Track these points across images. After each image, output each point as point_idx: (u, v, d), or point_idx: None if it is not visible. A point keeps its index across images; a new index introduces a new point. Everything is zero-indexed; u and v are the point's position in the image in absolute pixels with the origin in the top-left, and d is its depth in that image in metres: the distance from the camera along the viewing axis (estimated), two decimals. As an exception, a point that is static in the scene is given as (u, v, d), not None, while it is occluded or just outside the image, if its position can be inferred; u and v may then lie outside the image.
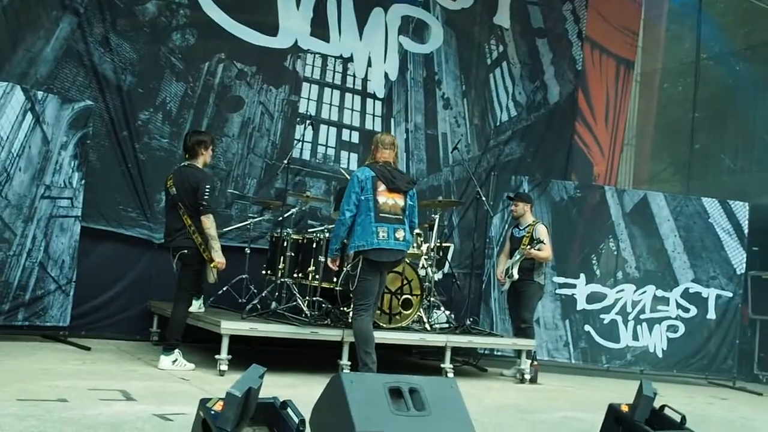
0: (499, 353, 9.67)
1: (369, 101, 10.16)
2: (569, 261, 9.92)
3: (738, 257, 10.21)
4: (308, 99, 9.71)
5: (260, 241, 8.92)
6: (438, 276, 8.50)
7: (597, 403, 4.67)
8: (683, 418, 4.02)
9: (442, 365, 7.73)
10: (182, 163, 6.96)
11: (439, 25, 10.75)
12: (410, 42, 10.50)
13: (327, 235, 7.50)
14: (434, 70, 10.69)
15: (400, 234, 6.42)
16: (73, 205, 7.74)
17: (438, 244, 8.48)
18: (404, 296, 7.65)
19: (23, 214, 7.37)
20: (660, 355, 9.95)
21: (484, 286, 9.97)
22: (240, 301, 8.05)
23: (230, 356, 6.58)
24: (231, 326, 6.71)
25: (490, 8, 11.18)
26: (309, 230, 8.56)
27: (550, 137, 11.53)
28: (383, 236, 6.33)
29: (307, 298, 7.61)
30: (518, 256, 8.47)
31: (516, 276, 8.44)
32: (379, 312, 7.30)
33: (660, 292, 10.03)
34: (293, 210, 8.49)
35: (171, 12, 8.79)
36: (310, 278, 7.65)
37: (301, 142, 9.39)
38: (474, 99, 11.01)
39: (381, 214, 6.36)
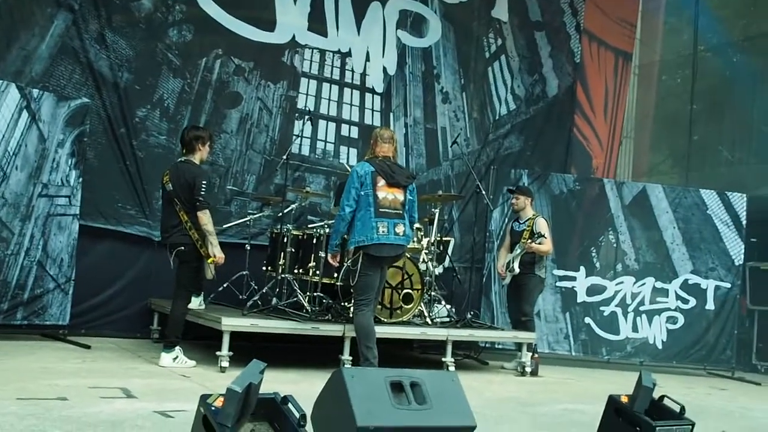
0: (499, 346, 9.67)
1: (368, 96, 10.14)
2: (569, 254, 9.93)
3: (736, 248, 10.23)
4: (306, 94, 9.69)
5: (260, 237, 8.91)
6: (438, 270, 8.51)
7: (597, 394, 4.68)
8: (682, 408, 4.04)
9: (443, 359, 7.74)
10: (179, 159, 6.94)
11: (437, 18, 10.73)
12: (408, 36, 10.47)
13: (327, 230, 7.49)
14: (433, 64, 10.67)
15: (400, 229, 6.42)
16: (71, 204, 7.73)
17: (438, 239, 8.48)
18: (405, 291, 7.65)
19: (20, 213, 7.37)
20: (659, 346, 9.97)
21: (484, 279, 9.97)
22: (240, 297, 8.04)
23: (231, 353, 6.58)
24: (232, 323, 6.71)
25: (488, 1, 11.16)
26: (309, 226, 8.56)
27: (549, 130, 11.51)
28: (383, 231, 6.32)
29: (308, 293, 7.61)
30: (519, 250, 8.47)
31: (517, 270, 8.45)
32: (380, 307, 7.30)
33: (659, 284, 10.05)
34: (293, 206, 8.48)
35: (167, 8, 8.75)
36: (310, 274, 7.65)
37: (300, 138, 9.37)
38: (473, 93, 10.99)
39: (381, 209, 6.36)
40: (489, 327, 8.92)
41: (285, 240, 7.90)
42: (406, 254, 7.28)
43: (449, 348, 7.77)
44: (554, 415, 5.89)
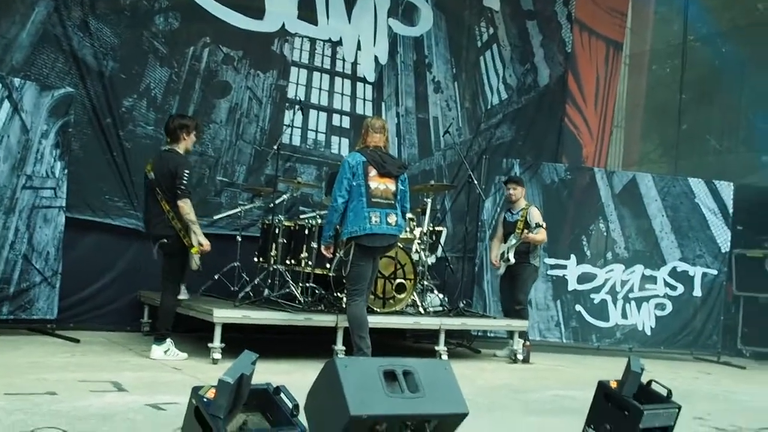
0: (492, 335, 9.69)
1: (359, 85, 10.08)
2: (560, 242, 9.97)
3: (723, 236, 10.34)
4: (297, 84, 9.62)
5: (251, 228, 8.84)
6: (431, 260, 8.51)
7: (587, 380, 4.71)
8: (669, 392, 4.12)
9: (436, 348, 7.76)
10: (163, 148, 6.88)
11: (429, 7, 10.67)
12: (400, 25, 10.41)
13: (319, 221, 7.46)
14: (424, 54, 10.62)
15: (392, 219, 6.39)
16: (57, 195, 7.58)
17: (431, 228, 8.46)
18: (398, 281, 7.62)
19: (4, 206, 7.23)
20: (648, 332, 10.08)
21: (477, 269, 9.97)
22: (232, 289, 7.98)
23: (223, 345, 6.55)
24: (223, 314, 6.67)
25: (480, -10, 11.13)
26: (300, 216, 8.51)
27: (541, 120, 11.51)
28: (376, 221, 6.30)
29: (300, 284, 7.58)
30: (514, 241, 8.48)
31: (513, 260, 8.46)
32: (372, 297, 7.28)
33: (648, 272, 10.14)
34: (284, 196, 8.42)
35: (152, -6, 8.65)
36: (302, 265, 7.61)
37: (290, 128, 9.31)
38: (465, 82, 10.96)
39: (373, 200, 6.33)
40: (481, 316, 8.95)
41: (276, 231, 7.85)
42: (399, 244, 7.26)
43: (442, 337, 7.77)
44: (545, 401, 5.96)
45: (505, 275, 8.76)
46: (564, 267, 9.93)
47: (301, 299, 7.39)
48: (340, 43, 9.93)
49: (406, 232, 7.55)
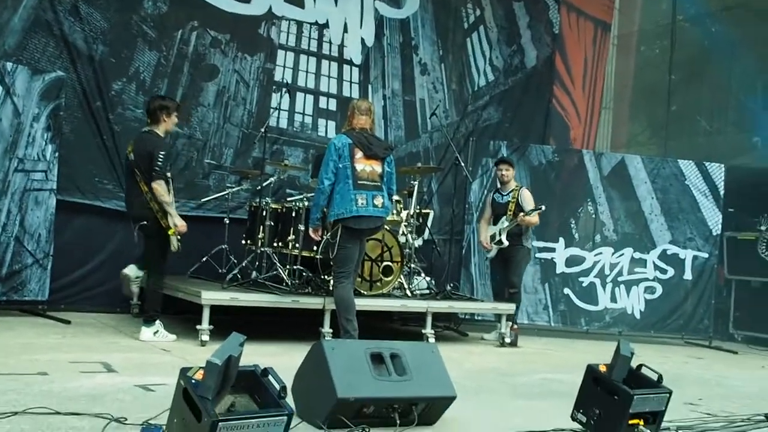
0: (479, 318, 9.73)
1: (346, 68, 10.08)
2: (548, 225, 9.95)
3: (714, 218, 10.33)
4: (284, 66, 9.61)
5: (239, 210, 8.86)
6: (418, 242, 8.52)
7: (576, 364, 4.72)
8: (660, 376, 4.07)
9: (423, 331, 7.76)
10: (143, 129, 6.88)
11: (415, -11, 10.66)
12: (386, 7, 10.40)
13: (306, 203, 7.47)
14: (411, 36, 10.61)
15: (378, 201, 6.40)
16: (48, 178, 7.64)
17: (417, 211, 8.48)
18: (385, 263, 7.66)
19: (-4, 188, 7.30)
20: (638, 316, 10.08)
21: (464, 251, 10.00)
22: (220, 271, 8.03)
23: (211, 326, 6.57)
24: (212, 296, 6.70)
25: (467, -29, 11.10)
26: (288, 199, 8.53)
27: (528, 101, 11.52)
28: (362, 203, 6.31)
29: (288, 266, 7.61)
30: (506, 223, 8.52)
31: (506, 243, 8.49)
32: (359, 279, 7.31)
33: (637, 254, 10.14)
34: (271, 179, 8.44)
35: (141, -22, 8.64)
36: (290, 247, 7.64)
37: (277, 111, 9.33)
38: (451, 64, 10.95)
39: (359, 182, 6.34)
40: (468, 299, 8.97)
41: (264, 213, 7.87)
42: (386, 226, 7.29)
43: (429, 320, 7.79)
44: (533, 384, 5.96)
45: (496, 258, 8.79)
46: (552, 250, 9.94)
47: (289, 281, 7.42)
48: (326, 25, 9.92)
49: (393, 214, 7.58)
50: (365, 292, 7.50)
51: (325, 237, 6.92)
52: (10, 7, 7.80)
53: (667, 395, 4.06)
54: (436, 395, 4.10)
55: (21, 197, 7.46)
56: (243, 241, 8.27)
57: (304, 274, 7.61)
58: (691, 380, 6.71)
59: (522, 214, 8.44)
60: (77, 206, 8.15)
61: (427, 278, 8.55)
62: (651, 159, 10.72)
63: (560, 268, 9.96)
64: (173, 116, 6.81)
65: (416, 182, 8.40)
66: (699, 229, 10.28)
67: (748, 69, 13.55)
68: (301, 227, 7.37)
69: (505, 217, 8.59)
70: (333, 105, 9.94)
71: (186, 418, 2.90)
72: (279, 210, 7.93)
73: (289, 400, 3.23)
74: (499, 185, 8.98)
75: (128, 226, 8.08)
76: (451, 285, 8.76)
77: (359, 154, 6.36)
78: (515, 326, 8.47)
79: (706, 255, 10.25)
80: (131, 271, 7.23)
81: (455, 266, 9.85)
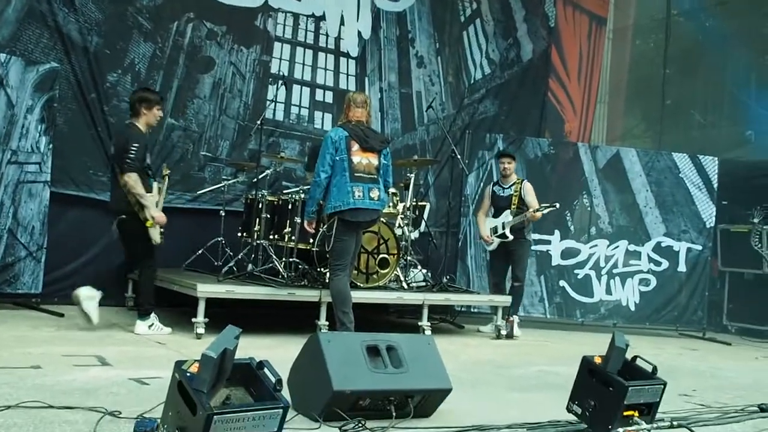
0: (475, 310, 9.75)
1: (342, 60, 10.06)
2: (544, 217, 9.86)
3: (708, 211, 10.37)
4: (280, 59, 9.59)
5: (235, 203, 8.86)
6: (414, 235, 8.52)
7: (572, 356, 4.72)
8: (654, 368, 4.09)
9: (419, 323, 7.77)
10: (126, 122, 6.82)
11: (412, -18, 10.64)
12: (383, 0, 10.37)
13: (302, 196, 7.45)
14: (407, 28, 10.60)
15: (375, 193, 6.40)
16: (42, 170, 7.62)
17: (414, 203, 8.48)
18: (381, 256, 7.65)
19: (-11, 180, 7.27)
20: (632, 308, 10.12)
21: (460, 244, 10.02)
22: (216, 263, 8.02)
23: (207, 319, 6.56)
24: (207, 289, 6.69)
25: (463, -36, 11.07)
26: (284, 191, 8.51)
27: (524, 95, 11.52)
28: (359, 196, 6.30)
29: (284, 259, 7.60)
30: (511, 217, 8.53)
31: (511, 237, 8.49)
32: (356, 272, 7.30)
33: (632, 247, 10.17)
34: (267, 171, 8.42)
35: (136, -31, 8.60)
36: (286, 240, 7.62)
37: (273, 103, 9.31)
38: (448, 57, 10.94)
39: (356, 174, 6.33)
40: (465, 291, 8.98)
41: (260, 206, 7.86)
42: (382, 219, 7.28)
43: (425, 312, 7.79)
44: (529, 376, 5.97)
45: (498, 251, 8.79)
46: (548, 242, 9.96)
47: (285, 274, 7.41)
48: (323, 18, 9.90)
49: (389, 207, 7.57)
50: (361, 285, 7.49)
51: (321, 229, 6.91)
52: (4, -1, 7.77)
53: (662, 387, 4.07)
54: (432, 387, 4.10)
55: (14, 189, 7.43)
56: (239, 234, 8.26)
57: (300, 266, 7.60)
58: (685, 372, 6.74)
59: (533, 210, 8.44)
60: (71, 198, 8.12)
61: (424, 270, 8.55)
62: (646, 152, 10.73)
63: (556, 260, 10.00)
64: (154, 110, 6.67)
65: (412, 175, 8.39)
66: (693, 221, 10.31)
67: (742, 63, 13.54)
68: (298, 220, 7.35)
69: (509, 210, 8.60)
70: (329, 97, 9.92)
71: (181, 411, 2.89)
72: (275, 202, 7.92)
73: (285, 392, 3.23)
74: (499, 178, 8.96)
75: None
76: (448, 277, 8.78)
77: (356, 147, 6.35)
78: (511, 318, 8.47)
79: (699, 247, 10.28)
80: (84, 291, 6.67)
81: (451, 258, 9.85)
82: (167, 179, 7.02)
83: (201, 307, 6.60)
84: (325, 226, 6.61)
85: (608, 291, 10.06)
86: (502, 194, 8.79)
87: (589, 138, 12.78)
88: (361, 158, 6.37)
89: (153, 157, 8.52)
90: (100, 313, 6.62)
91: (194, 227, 8.62)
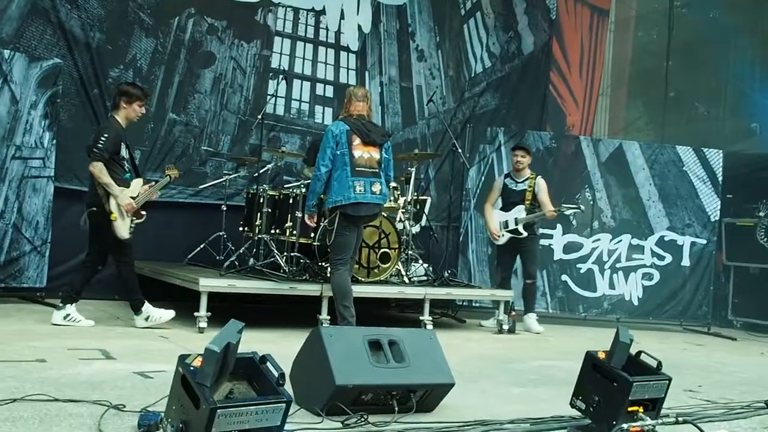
0: (477, 304, 9.74)
1: (342, 54, 10.06)
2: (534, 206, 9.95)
3: (712, 204, 10.31)
4: (280, 53, 9.61)
5: (236, 197, 8.87)
6: (415, 229, 8.52)
7: (574, 351, 4.72)
8: (659, 363, 4.06)
9: (421, 317, 7.75)
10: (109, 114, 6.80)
11: (412, -25, 10.62)
12: (383, -7, 10.39)
13: (303, 190, 7.45)
14: (407, 22, 10.59)
15: (376, 187, 6.40)
16: (46, 165, 7.68)
17: (415, 198, 8.47)
18: (382, 250, 7.64)
19: (-6, 176, 7.32)
20: (636, 302, 10.08)
21: (461, 238, 10.00)
22: (217, 258, 8.05)
23: (209, 313, 6.57)
24: (209, 283, 6.69)
25: (463, -43, 11.06)
26: (285, 186, 8.53)
27: (525, 88, 11.49)
28: (360, 190, 6.30)
29: (285, 253, 7.61)
30: (524, 214, 8.52)
31: (524, 233, 8.49)
32: (357, 266, 7.31)
33: (635, 241, 10.12)
34: (268, 166, 8.43)
35: (137, -34, 8.61)
36: (287, 234, 7.63)
37: (274, 98, 9.32)
38: (448, 50, 10.93)
39: (357, 168, 6.33)
40: (466, 285, 8.96)
41: (261, 200, 7.87)
42: (383, 213, 7.28)
43: (427, 306, 7.78)
44: (532, 371, 5.95)
45: (507, 246, 8.75)
46: (550, 236, 9.90)
47: (286, 268, 7.42)
48: (323, 12, 9.91)
49: (390, 201, 7.57)
50: (363, 279, 7.49)
51: (322, 224, 6.91)
52: (8, -6, 7.80)
53: (667, 382, 4.03)
54: (434, 382, 4.10)
55: (19, 184, 7.49)
56: (240, 228, 8.27)
57: (301, 261, 7.61)
58: (690, 367, 6.67)
59: (552, 210, 8.45)
60: (75, 193, 8.10)
61: (425, 265, 8.55)
62: (649, 145, 10.68)
63: (558, 254, 9.95)
64: (135, 105, 6.51)
65: (413, 169, 8.39)
66: (697, 215, 10.25)
67: (746, 54, 13.51)
68: (299, 214, 7.35)
69: (522, 206, 8.57)
70: (330, 92, 9.93)
71: (185, 405, 2.90)
72: (276, 197, 7.93)
73: (288, 387, 3.24)
74: (512, 171, 8.91)
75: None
76: (449, 271, 8.74)
77: (357, 141, 6.35)
78: (514, 313, 8.47)
79: (704, 241, 10.23)
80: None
81: (453, 253, 9.85)
82: (170, 178, 6.94)
83: (203, 301, 6.61)
84: (326, 221, 6.61)
85: (611, 285, 10.02)
86: (514, 188, 8.74)
87: (591, 131, 12.74)
88: (362, 152, 6.37)
89: (155, 152, 8.58)
90: (104, 307, 6.62)
91: (196, 222, 8.66)
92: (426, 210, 8.92)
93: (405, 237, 8.02)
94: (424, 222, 8.86)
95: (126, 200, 6.33)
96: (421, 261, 8.53)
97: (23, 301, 7.60)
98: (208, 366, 2.87)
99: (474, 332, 8.40)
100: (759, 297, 10.60)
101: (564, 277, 9.95)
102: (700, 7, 14.63)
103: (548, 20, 11.73)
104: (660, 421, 4.00)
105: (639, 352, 4.08)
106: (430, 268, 8.64)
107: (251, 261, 7.73)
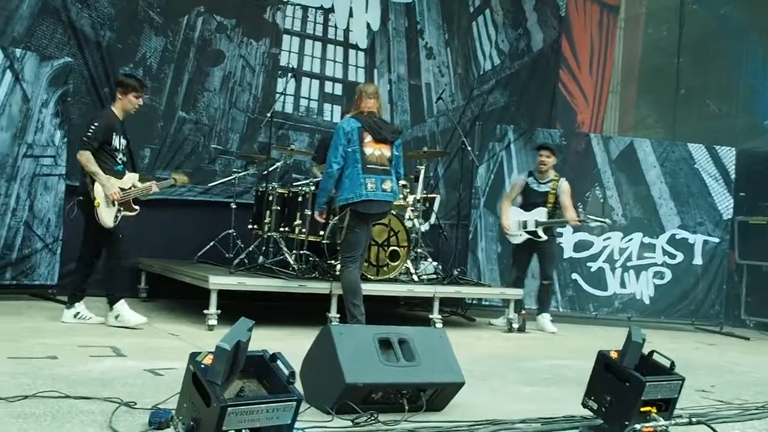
0: (486, 303, 9.71)
1: (351, 52, 10.06)
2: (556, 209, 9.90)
3: (725, 203, 10.22)
4: (289, 51, 9.61)
5: (245, 195, 8.88)
6: (425, 227, 8.50)
7: (585, 350, 4.70)
8: (672, 363, 4.02)
9: (430, 316, 7.74)
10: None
11: (420, -27, 10.60)
12: (391, -9, 10.38)
13: (312, 188, 7.45)
14: (416, 20, 10.57)
15: (387, 185, 6.39)
16: (57, 164, 7.73)
17: (424, 195, 8.46)
18: (391, 248, 7.63)
19: (6, 174, 7.40)
20: (647, 301, 10.01)
21: (470, 236, 9.98)
22: (227, 255, 8.06)
23: (219, 311, 6.58)
24: (219, 281, 6.70)
25: (472, -46, 11.03)
26: (294, 184, 8.52)
27: (534, 85, 11.45)
28: (371, 188, 6.29)
29: (294, 251, 7.61)
30: (546, 217, 8.44)
31: (544, 237, 8.45)
32: (366, 264, 7.29)
33: (647, 239, 10.05)
34: (278, 164, 8.43)
35: (146, -36, 8.64)
36: (296, 232, 7.63)
37: (283, 96, 9.32)
38: (457, 48, 10.90)
39: (368, 166, 6.32)
40: (476, 283, 8.92)
41: (270, 198, 7.88)
42: (392, 211, 7.26)
43: (436, 305, 7.75)
44: (542, 370, 5.93)
45: (524, 245, 8.66)
46: (560, 234, 9.76)
47: (295, 266, 7.41)
48: (332, 10, 9.91)
49: (399, 199, 7.55)
50: (372, 277, 7.48)
51: (331, 221, 6.90)
52: (19, -6, 7.83)
53: (680, 382, 4.00)
54: (444, 381, 4.09)
55: (30, 182, 7.56)
56: (250, 226, 8.29)
57: (310, 258, 7.61)
58: (703, 367, 6.61)
59: (577, 219, 8.44)
60: (86, 191, 8.16)
61: (434, 263, 8.53)
62: (660, 142, 10.61)
63: (568, 252, 9.90)
64: (130, 96, 6.40)
65: (422, 167, 8.38)
66: (709, 213, 10.17)
67: (758, 51, 13.41)
68: (308, 212, 7.35)
69: (544, 209, 8.48)
70: (339, 90, 9.93)
71: (195, 402, 2.91)
72: (285, 195, 7.93)
73: (298, 385, 3.24)
74: (536, 171, 8.77)
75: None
76: (458, 270, 8.71)
77: (368, 138, 6.34)
78: (524, 311, 8.43)
79: (717, 240, 10.14)
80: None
81: (462, 251, 9.83)
82: (174, 181, 6.91)
83: (213, 299, 6.61)
84: (336, 218, 6.59)
85: (622, 284, 9.95)
86: (537, 189, 8.62)
87: (601, 128, 12.69)
88: (373, 149, 6.36)
89: (164, 150, 8.59)
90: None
91: (205, 220, 8.67)
92: (435, 208, 8.89)
93: (414, 235, 8.00)
94: (433, 220, 8.83)
95: (113, 189, 6.23)
96: (430, 259, 8.51)
97: (34, 298, 7.65)
98: (218, 364, 2.87)
99: (484, 331, 8.38)
100: (772, 296, 10.50)
101: (574, 276, 9.90)
102: (710, 3, 14.51)
103: (557, 17, 11.68)
104: (673, 421, 3.97)
105: (651, 352, 4.04)
106: (440, 267, 8.62)
107: (260, 259, 7.74)
